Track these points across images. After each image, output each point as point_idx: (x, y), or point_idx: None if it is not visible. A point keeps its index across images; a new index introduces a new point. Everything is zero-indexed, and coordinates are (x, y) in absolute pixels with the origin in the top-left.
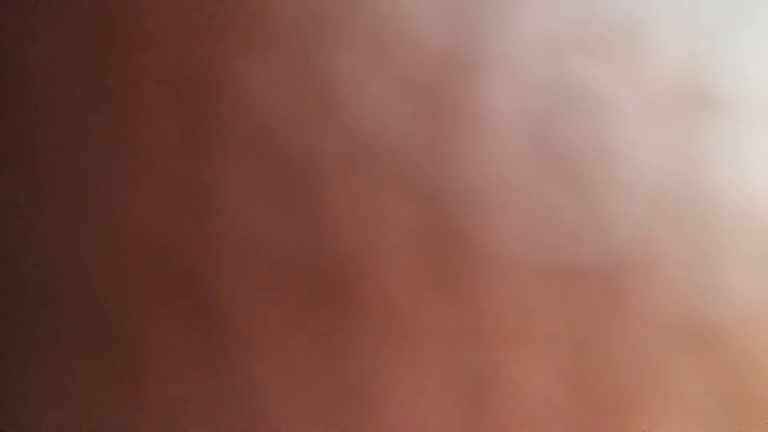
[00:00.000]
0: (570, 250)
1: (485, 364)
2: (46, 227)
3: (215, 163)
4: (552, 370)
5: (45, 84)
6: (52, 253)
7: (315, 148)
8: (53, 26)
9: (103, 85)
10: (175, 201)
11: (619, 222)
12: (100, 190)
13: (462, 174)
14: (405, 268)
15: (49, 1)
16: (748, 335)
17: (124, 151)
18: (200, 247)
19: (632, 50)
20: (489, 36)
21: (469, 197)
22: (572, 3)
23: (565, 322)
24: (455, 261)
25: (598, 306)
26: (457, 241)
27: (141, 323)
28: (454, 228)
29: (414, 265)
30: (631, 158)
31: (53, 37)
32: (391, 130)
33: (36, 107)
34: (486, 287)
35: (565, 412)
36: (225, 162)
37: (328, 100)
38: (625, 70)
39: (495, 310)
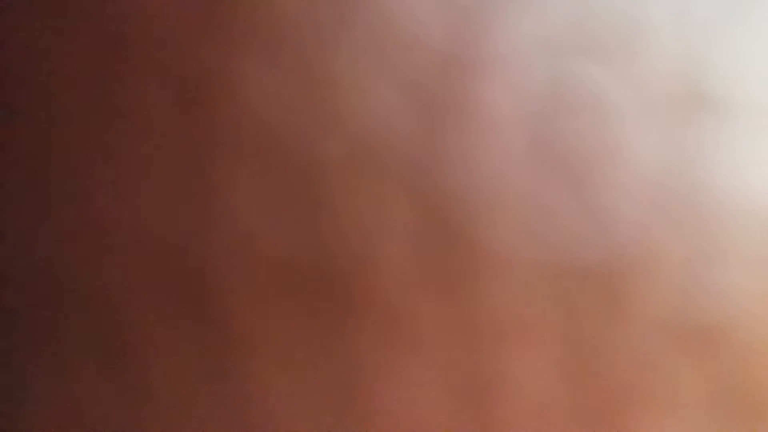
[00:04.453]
0: (570, 249)
1: (485, 364)
2: (47, 228)
3: (217, 164)
4: (552, 369)
5: (45, 84)
6: (54, 254)
7: (317, 149)
8: (53, 27)
9: (104, 86)
10: (177, 202)
11: (619, 222)
12: (101, 190)
13: (463, 174)
14: (406, 268)
15: (49, 1)
16: (747, 334)
17: (126, 152)
18: (201, 248)
19: (630, 51)
20: (489, 38)
21: (470, 197)
22: (571, 4)
23: (565, 321)
24: (456, 261)
25: (598, 305)
26: (458, 241)
27: (143, 324)
28: (455, 228)
29: (415, 265)
30: (630, 158)
31: (53, 38)
32: (393, 131)
33: (36, 108)
34: (486, 287)
35: (565, 410)
36: (227, 163)
37: (329, 100)
38: (623, 71)
39: (495, 310)
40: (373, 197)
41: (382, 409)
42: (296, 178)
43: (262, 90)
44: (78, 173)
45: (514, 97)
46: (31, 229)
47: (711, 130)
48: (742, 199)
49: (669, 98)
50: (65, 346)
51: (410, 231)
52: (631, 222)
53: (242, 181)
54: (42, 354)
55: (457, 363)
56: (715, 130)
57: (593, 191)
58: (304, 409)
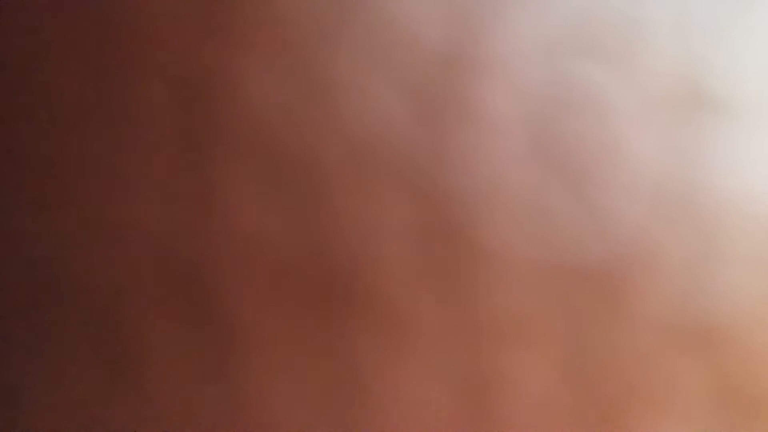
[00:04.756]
0: (569, 249)
1: (485, 363)
2: (46, 228)
3: (217, 163)
4: (552, 369)
5: (44, 84)
6: (53, 254)
7: (316, 148)
8: (52, 26)
9: (104, 86)
10: (177, 202)
11: (619, 222)
12: (100, 190)
13: (462, 174)
14: (406, 267)
15: (49, 1)
16: (747, 334)
17: (126, 151)
18: (201, 247)
19: (630, 51)
20: (489, 38)
21: (470, 197)
22: (571, 4)
23: (564, 321)
24: (456, 261)
25: (597, 305)
26: (457, 240)
27: (143, 324)
28: (454, 228)
29: (415, 265)
30: (630, 158)
31: (53, 37)
32: (392, 130)
33: (35, 108)
34: (486, 287)
35: (565, 410)
36: (226, 162)
37: (329, 100)
38: (623, 71)
39: (495, 310)
40: (373, 197)
41: (381, 408)
42: (296, 178)
43: (262, 90)
44: (78, 173)
45: (514, 97)
46: (31, 229)
47: (711, 130)
48: (742, 200)
49: (669, 98)
50: (65, 346)
51: (410, 230)
52: (631, 222)
53: (242, 181)
54: (41, 354)
55: (456, 363)
56: (715, 130)
57: (593, 191)
58: (304, 409)
